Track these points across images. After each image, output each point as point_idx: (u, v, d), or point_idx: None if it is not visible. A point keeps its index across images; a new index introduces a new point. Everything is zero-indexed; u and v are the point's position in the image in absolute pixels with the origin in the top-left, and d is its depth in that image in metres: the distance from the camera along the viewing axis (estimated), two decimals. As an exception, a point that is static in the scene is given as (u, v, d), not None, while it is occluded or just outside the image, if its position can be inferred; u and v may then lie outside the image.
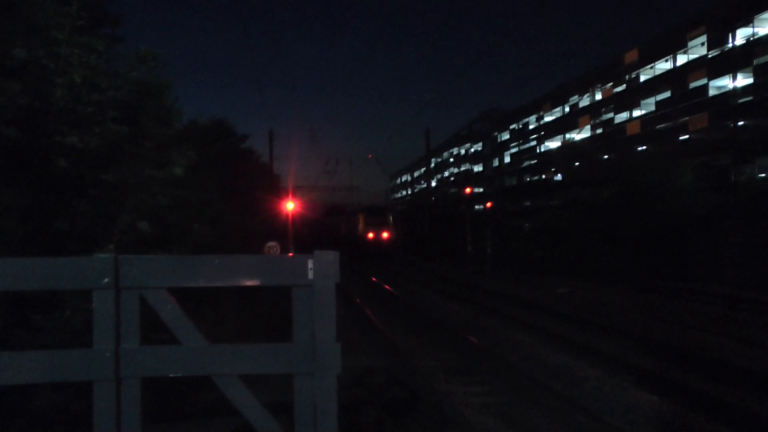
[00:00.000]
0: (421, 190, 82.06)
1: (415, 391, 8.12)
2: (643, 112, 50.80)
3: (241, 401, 3.08)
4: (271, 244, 13.44)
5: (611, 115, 55.53)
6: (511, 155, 77.02)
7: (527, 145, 72.27)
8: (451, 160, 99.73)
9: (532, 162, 70.99)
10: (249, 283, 3.15)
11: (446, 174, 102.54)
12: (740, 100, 39.65)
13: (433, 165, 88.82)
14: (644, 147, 50.18)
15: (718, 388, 8.78)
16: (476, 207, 64.53)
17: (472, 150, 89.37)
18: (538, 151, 69.39)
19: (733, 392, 8.62)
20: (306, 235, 49.10)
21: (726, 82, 41.65)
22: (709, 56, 42.64)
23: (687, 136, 44.97)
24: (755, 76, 38.64)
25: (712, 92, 42.73)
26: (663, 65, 48.47)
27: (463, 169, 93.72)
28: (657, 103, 48.56)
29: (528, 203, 58.82)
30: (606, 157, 55.81)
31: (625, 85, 53.20)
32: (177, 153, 7.43)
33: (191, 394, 6.31)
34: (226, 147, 19.33)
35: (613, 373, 9.55)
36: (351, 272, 30.42)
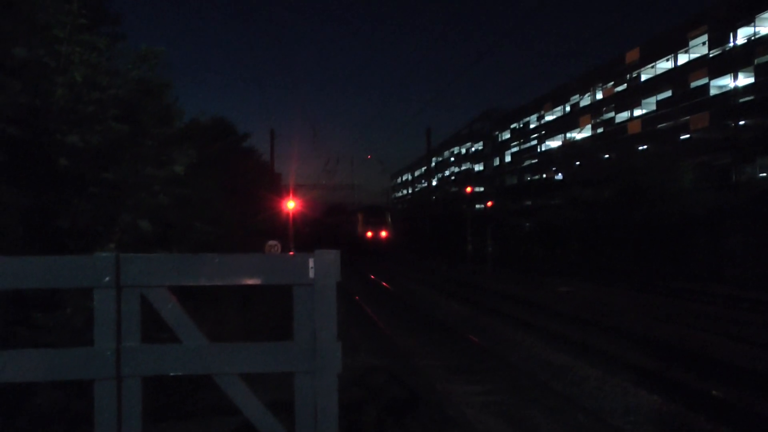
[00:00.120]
0: (422, 189, 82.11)
1: (416, 391, 8.12)
2: (644, 111, 50.78)
3: (241, 400, 3.08)
4: (272, 242, 13.42)
5: (612, 114, 55.51)
6: (512, 154, 76.99)
7: (528, 145, 72.25)
8: (452, 159, 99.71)
9: (533, 161, 70.97)
10: (250, 281, 3.15)
11: (447, 173, 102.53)
12: (741, 100, 39.62)
13: (433, 164, 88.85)
14: (645, 146, 50.17)
15: (719, 388, 8.77)
16: (477, 206, 64.53)
17: (473, 149, 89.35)
18: (538, 150, 69.36)
19: (733, 392, 8.62)
20: (307, 234, 49.19)
21: (727, 82, 41.62)
22: (710, 55, 42.61)
23: (688, 136, 44.95)
24: (756, 76, 38.61)
25: (713, 91, 42.71)
26: (664, 64, 48.45)
27: (463, 168, 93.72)
28: (658, 103, 48.53)
29: (529, 202, 58.88)
30: (607, 156, 55.81)
31: (626, 84, 53.18)
32: (178, 152, 7.42)
33: (192, 393, 6.31)
34: (227, 146, 19.32)
35: (613, 373, 9.55)
36: (352, 271, 30.44)
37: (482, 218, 45.33)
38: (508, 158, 78.43)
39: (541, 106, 67.87)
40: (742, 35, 40.14)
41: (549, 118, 67.02)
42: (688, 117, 44.54)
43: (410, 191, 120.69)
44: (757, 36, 38.79)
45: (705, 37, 42.96)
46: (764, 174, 38.31)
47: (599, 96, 57.79)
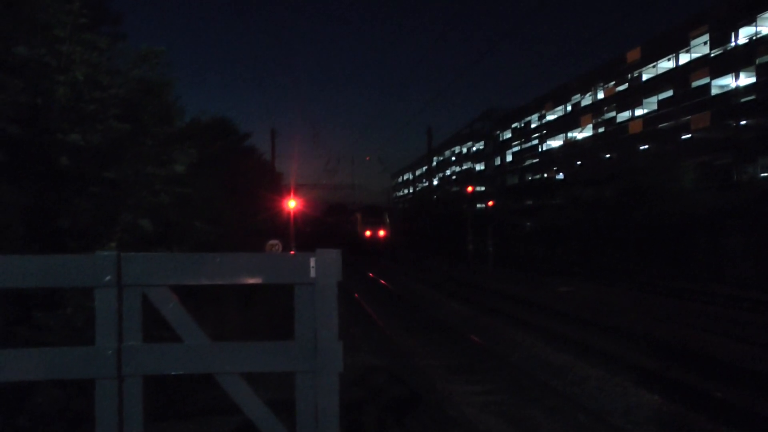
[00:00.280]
0: (423, 188, 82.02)
1: (417, 390, 8.12)
2: (645, 111, 50.73)
3: (242, 399, 3.08)
4: (272, 242, 13.42)
5: (613, 114, 55.45)
6: (513, 154, 76.94)
7: (529, 144, 72.20)
8: (453, 158, 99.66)
9: (534, 161, 70.92)
10: (251, 280, 3.15)
11: (448, 173, 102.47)
12: (743, 100, 39.58)
13: (434, 164, 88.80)
14: (646, 146, 50.12)
15: (720, 388, 8.77)
16: (478, 206, 64.48)
17: (474, 149, 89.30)
18: (540, 150, 69.32)
19: (734, 392, 8.61)
20: (308, 234, 49.28)
21: (728, 81, 41.58)
22: (712, 55, 42.57)
23: (689, 136, 44.90)
24: (758, 75, 38.56)
25: (714, 91, 42.65)
26: (665, 64, 48.39)
27: (464, 167, 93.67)
28: (659, 102, 48.47)
29: (530, 202, 58.88)
30: (608, 156, 55.76)
31: (627, 84, 53.11)
32: (179, 151, 7.42)
33: (193, 392, 6.32)
34: (228, 145, 19.31)
35: (614, 373, 9.54)
36: (353, 271, 30.45)
37: (483, 218, 45.33)
38: (509, 158, 78.38)
39: (542, 105, 67.82)
40: (744, 35, 40.09)
41: (550, 117, 66.98)
42: (689, 117, 44.48)
43: (411, 191, 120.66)
44: (758, 36, 38.74)
45: (706, 37, 42.91)
46: (765, 174, 38.26)
47: (600, 95, 57.74)
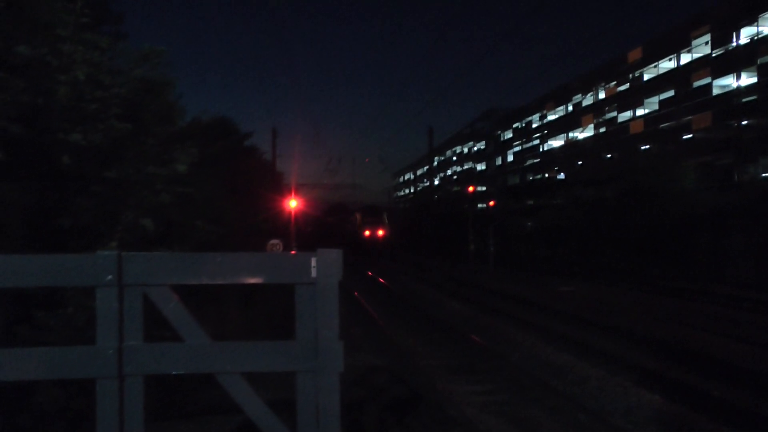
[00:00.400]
0: (424, 188, 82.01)
1: (417, 390, 8.12)
2: (647, 111, 50.70)
3: (243, 399, 3.08)
4: (273, 242, 13.43)
5: (614, 114, 55.43)
6: (514, 154, 76.92)
7: (530, 144, 72.18)
8: (454, 158, 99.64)
9: (535, 161, 70.91)
10: (252, 280, 3.15)
11: (449, 172, 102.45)
12: (744, 99, 39.54)
13: (435, 163, 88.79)
14: (647, 146, 50.09)
15: (721, 388, 8.76)
16: (479, 206, 64.48)
17: (475, 148, 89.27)
18: (541, 149, 69.30)
19: (735, 392, 8.61)
20: (308, 234, 49.37)
21: (730, 81, 41.54)
22: (713, 55, 42.53)
23: (690, 135, 44.87)
24: (759, 75, 38.52)
25: (715, 91, 42.62)
26: (667, 64, 48.35)
27: (465, 167, 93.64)
28: (660, 102, 48.45)
29: (531, 202, 58.80)
30: (609, 156, 55.74)
31: (628, 84, 53.08)
32: (180, 150, 7.41)
33: (194, 392, 6.32)
34: (229, 144, 19.32)
35: (614, 373, 9.54)
36: (353, 271, 30.45)
37: (484, 218, 45.33)
38: (510, 158, 78.37)
39: (543, 105, 67.80)
40: (745, 35, 40.05)
41: (551, 117, 66.96)
42: (690, 117, 44.46)
43: (412, 190, 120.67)
44: (760, 36, 38.71)
45: (708, 37, 42.88)
46: (766, 174, 38.22)
47: (601, 95, 57.71)
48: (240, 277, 3.15)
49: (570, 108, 63.22)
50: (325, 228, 55.42)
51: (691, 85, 44.78)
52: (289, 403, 3.27)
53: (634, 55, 51.55)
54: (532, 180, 68.94)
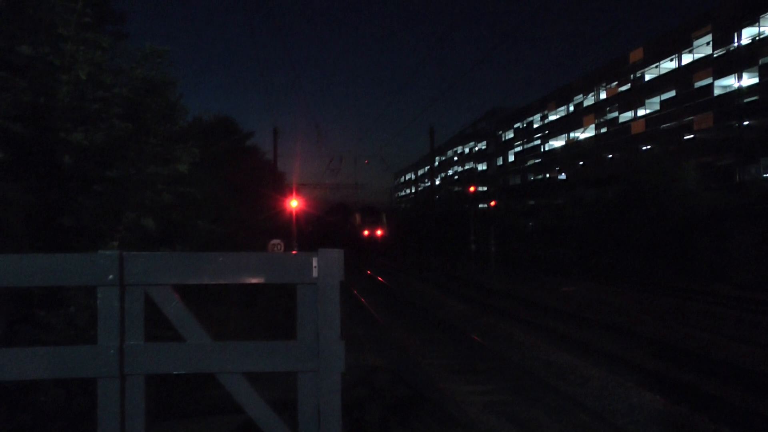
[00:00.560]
0: (425, 188, 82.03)
1: (419, 390, 8.12)
2: (648, 111, 50.65)
3: (245, 399, 3.08)
4: (274, 241, 13.46)
5: (616, 114, 55.39)
6: (516, 154, 76.90)
7: (531, 144, 72.14)
8: (456, 158, 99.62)
9: (537, 161, 70.88)
10: (253, 280, 3.15)
11: (450, 172, 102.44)
12: (746, 100, 39.50)
13: (437, 163, 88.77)
14: (649, 146, 50.05)
15: (722, 389, 8.76)
16: (480, 205, 64.48)
17: (477, 148, 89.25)
18: (542, 150, 69.27)
19: (736, 393, 8.60)
20: (309, 233, 49.46)
21: (731, 82, 41.50)
22: (715, 55, 42.49)
23: (692, 136, 44.83)
24: (761, 76, 38.49)
25: (717, 92, 42.57)
26: (668, 64, 48.31)
27: (467, 167, 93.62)
28: (662, 103, 48.40)
29: (532, 202, 58.77)
30: (610, 156, 55.70)
31: (629, 84, 53.04)
32: (181, 150, 7.41)
33: (195, 391, 6.32)
34: (231, 144, 19.34)
35: (616, 373, 9.53)
36: (354, 270, 30.45)
37: (485, 218, 45.36)
38: (511, 158, 78.35)
39: (544, 105, 67.78)
40: (747, 35, 40.01)
41: (552, 117, 66.93)
42: (692, 117, 44.41)
43: (414, 190, 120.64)
44: (761, 36, 38.66)
45: (709, 37, 42.83)
46: (768, 174, 38.20)
47: (603, 96, 57.67)
48: (241, 277, 3.14)
49: (571, 108, 63.18)
50: (325, 228, 55.56)
51: (693, 85, 44.73)
52: (290, 403, 3.27)
53: (636, 55, 51.51)
54: (534, 180, 68.92)
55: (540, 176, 68.36)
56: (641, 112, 51.62)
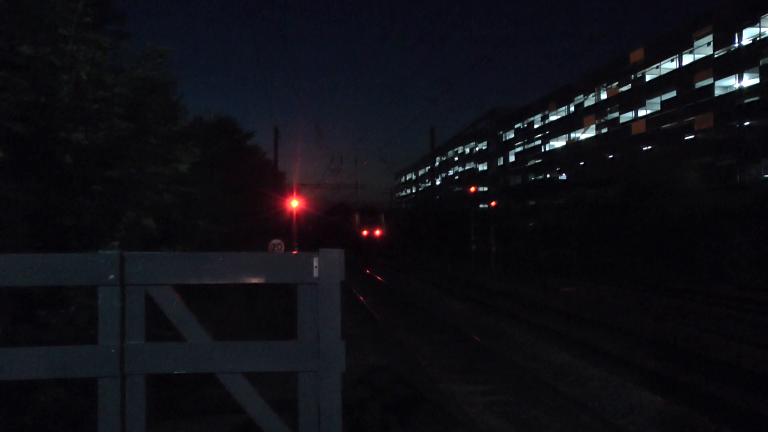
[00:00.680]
0: (426, 188, 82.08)
1: (419, 390, 8.12)
2: (649, 111, 50.66)
3: (245, 398, 3.08)
4: (275, 241, 13.42)
5: (616, 114, 55.40)
6: (516, 154, 76.93)
7: (532, 144, 72.18)
8: (456, 158, 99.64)
9: (537, 161, 70.90)
10: (254, 280, 3.15)
11: (451, 173, 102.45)
12: (746, 100, 39.50)
13: (437, 163, 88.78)
14: (649, 147, 50.05)
15: (723, 389, 8.75)
16: (481, 206, 64.40)
17: (477, 149, 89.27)
18: (542, 150, 69.28)
19: (737, 393, 8.60)
20: (310, 233, 49.53)
21: (732, 82, 41.50)
22: (716, 56, 42.48)
23: (692, 136, 44.83)
24: (761, 76, 38.49)
25: (718, 92, 42.58)
26: (669, 65, 48.32)
27: (467, 167, 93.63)
28: (662, 103, 48.41)
29: (532, 202, 58.73)
30: (611, 156, 55.70)
31: (630, 84, 53.04)
32: (182, 150, 7.42)
33: (196, 391, 6.32)
34: (231, 144, 19.34)
35: (617, 373, 9.53)
36: (355, 270, 30.46)
37: (486, 218, 45.32)
38: (512, 158, 78.38)
39: (545, 105, 67.80)
40: (748, 36, 40.01)
41: (553, 117, 66.95)
42: (692, 117, 44.42)
43: (414, 190, 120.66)
44: (762, 36, 38.66)
45: (710, 38, 42.84)
46: (769, 175, 38.19)
47: (603, 96, 57.68)
48: (242, 277, 3.15)
49: (572, 108, 63.20)
50: (326, 228, 55.65)
51: (693, 85, 44.74)
52: (290, 403, 3.27)
53: (636, 55, 51.52)
54: (534, 180, 68.91)
55: (540, 176, 68.37)
56: (642, 113, 51.62)
